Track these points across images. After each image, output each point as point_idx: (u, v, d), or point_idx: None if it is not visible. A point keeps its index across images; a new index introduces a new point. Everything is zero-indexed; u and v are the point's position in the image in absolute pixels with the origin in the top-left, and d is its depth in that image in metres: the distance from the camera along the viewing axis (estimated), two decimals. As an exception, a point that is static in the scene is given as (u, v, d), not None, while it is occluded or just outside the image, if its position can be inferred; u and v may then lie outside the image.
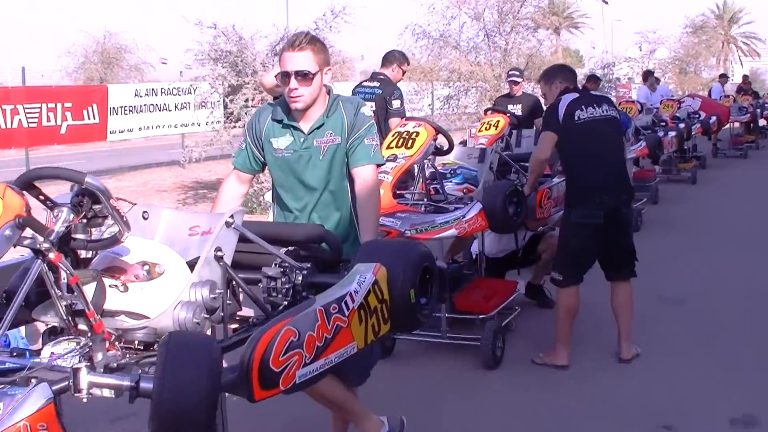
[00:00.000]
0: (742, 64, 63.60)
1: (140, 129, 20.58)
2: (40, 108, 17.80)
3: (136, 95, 20.41)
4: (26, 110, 17.43)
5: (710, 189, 15.67)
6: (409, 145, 5.57)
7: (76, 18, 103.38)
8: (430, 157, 6.11)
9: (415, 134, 5.64)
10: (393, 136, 5.75)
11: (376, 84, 8.88)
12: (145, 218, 3.20)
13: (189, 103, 18.84)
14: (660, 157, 12.37)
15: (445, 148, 6.02)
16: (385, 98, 8.64)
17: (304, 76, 3.73)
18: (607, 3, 46.21)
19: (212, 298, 2.77)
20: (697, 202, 14.04)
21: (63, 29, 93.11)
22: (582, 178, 5.77)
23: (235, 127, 13.73)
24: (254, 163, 4.04)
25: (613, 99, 14.30)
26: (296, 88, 3.74)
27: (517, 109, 11.03)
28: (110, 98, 19.63)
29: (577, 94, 5.89)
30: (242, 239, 3.01)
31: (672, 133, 13.46)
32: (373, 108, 8.53)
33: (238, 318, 3.16)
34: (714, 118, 18.21)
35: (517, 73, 11.48)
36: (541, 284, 7.34)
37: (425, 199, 5.72)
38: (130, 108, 20.14)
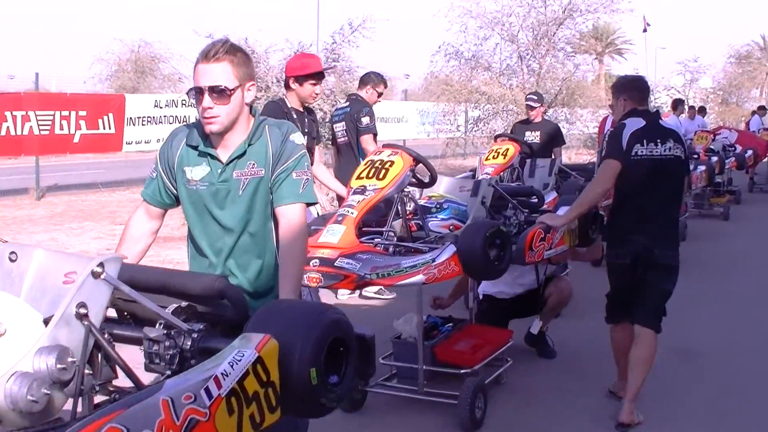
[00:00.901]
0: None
1: (158, 141, 20.03)
2: (53, 116, 17.34)
3: (155, 106, 19.94)
4: (38, 117, 16.99)
5: (743, 226, 14.76)
6: (381, 175, 4.89)
7: (113, 26, 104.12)
8: (411, 190, 5.48)
9: (389, 164, 4.96)
10: (365, 164, 5.08)
11: (347, 104, 8.64)
12: (12, 260, 2.55)
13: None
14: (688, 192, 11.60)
15: (426, 180, 5.36)
16: (353, 116, 8.31)
17: (220, 93, 3.09)
18: (646, 31, 45.55)
19: (60, 369, 2.15)
20: (728, 240, 13.18)
21: (99, 36, 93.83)
22: (620, 217, 5.51)
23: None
24: (165, 195, 3.37)
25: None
26: (211, 107, 3.10)
27: (535, 137, 10.35)
28: (128, 108, 19.18)
29: (643, 122, 5.43)
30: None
31: (701, 168, 12.62)
32: (344, 127, 8.36)
33: (112, 389, 2.48)
34: (750, 152, 17.37)
35: (535, 97, 10.74)
36: (543, 331, 6.66)
37: (395, 238, 5.01)
38: (149, 119, 19.67)
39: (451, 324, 5.96)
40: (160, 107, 20.02)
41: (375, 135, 8.23)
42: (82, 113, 18.17)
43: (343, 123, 8.43)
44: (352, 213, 4.74)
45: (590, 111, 23.80)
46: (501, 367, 5.91)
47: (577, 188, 7.66)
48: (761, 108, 25.11)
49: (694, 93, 37.82)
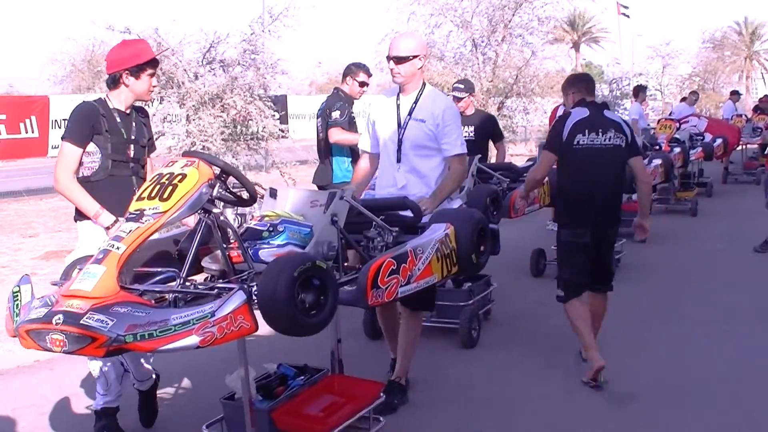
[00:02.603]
0: (765, 81, 61.05)
1: (88, 144, 18.68)
2: (-33, 120, 16.03)
3: (83, 107, 18.53)
4: (-51, 121, 15.66)
5: (711, 223, 13.50)
6: (165, 195, 3.56)
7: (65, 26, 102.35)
8: (237, 210, 4.21)
9: (179, 178, 3.61)
10: (151, 180, 3.71)
11: (325, 100, 8.48)
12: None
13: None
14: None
15: (245, 196, 4.05)
16: (326, 111, 8.16)
17: None
18: (627, 16, 44.34)
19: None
20: (692, 241, 11.89)
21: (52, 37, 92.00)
22: (572, 203, 6.13)
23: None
24: None
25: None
26: None
27: (469, 132, 8.96)
28: (53, 110, 17.83)
29: (587, 113, 6.08)
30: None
31: (656, 161, 11.17)
32: (320, 124, 8.29)
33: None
34: (720, 141, 16.12)
35: (462, 86, 9.25)
36: None
37: (179, 281, 3.68)
38: (76, 121, 18.30)
39: (303, 377, 4.68)
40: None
41: (343, 128, 7.98)
42: (2, 117, 16.87)
43: (320, 119, 8.32)
44: (118, 248, 3.40)
45: (554, 101, 22.59)
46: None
47: (489, 194, 6.57)
48: (734, 93, 23.87)
49: (668, 80, 36.83)
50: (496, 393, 5.93)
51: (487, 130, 9.32)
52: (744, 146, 19.97)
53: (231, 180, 4.06)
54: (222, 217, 4.01)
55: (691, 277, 9.66)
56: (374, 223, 4.52)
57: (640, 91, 16.52)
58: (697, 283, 9.34)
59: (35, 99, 19.24)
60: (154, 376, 5.41)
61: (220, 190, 3.98)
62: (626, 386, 5.92)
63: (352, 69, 8.35)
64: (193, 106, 11.48)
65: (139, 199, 3.65)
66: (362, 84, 8.32)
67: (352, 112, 8.34)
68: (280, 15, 12.10)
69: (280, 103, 18.67)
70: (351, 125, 8.22)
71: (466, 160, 5.65)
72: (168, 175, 3.69)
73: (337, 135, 7.97)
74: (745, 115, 20.75)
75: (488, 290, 7.68)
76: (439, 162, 5.52)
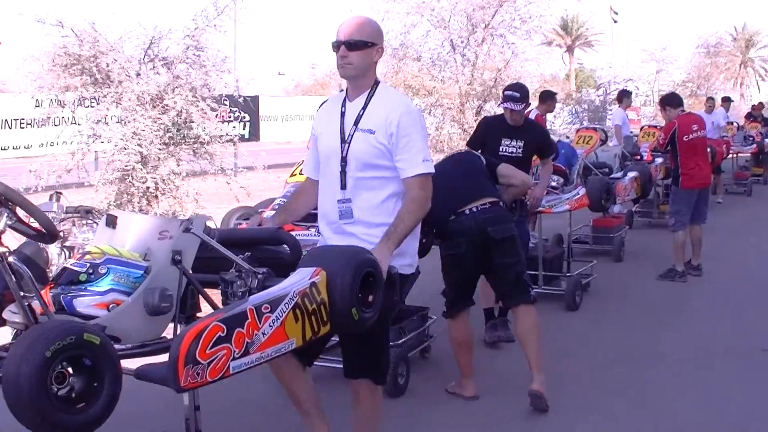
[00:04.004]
0: (759, 88, 60.18)
1: (41, 145, 17.50)
2: None
3: (36, 106, 17.38)
4: None
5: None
6: None
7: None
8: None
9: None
10: None
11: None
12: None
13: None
14: (608, 208, 9.08)
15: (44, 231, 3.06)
16: None
17: None
18: (616, 21, 43.85)
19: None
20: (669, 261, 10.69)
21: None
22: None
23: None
24: None
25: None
26: None
27: (517, 148, 7.38)
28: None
29: None
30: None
31: (631, 175, 10.06)
32: None
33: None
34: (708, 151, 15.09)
35: (517, 95, 7.34)
36: None
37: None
38: (28, 121, 17.23)
39: None
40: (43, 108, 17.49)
41: None
42: None
43: None
44: None
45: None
46: None
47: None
48: (725, 99, 22.87)
49: (660, 86, 35.81)
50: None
51: (536, 145, 7.57)
52: (735, 155, 19.00)
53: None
54: (10, 258, 3.01)
55: (665, 306, 8.64)
56: (235, 263, 3.51)
57: (624, 96, 15.44)
58: (672, 313, 8.34)
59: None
60: None
61: (7, 221, 3.00)
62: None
63: None
64: (129, 107, 10.46)
65: None
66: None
67: None
68: (225, 8, 11.07)
69: (250, 104, 17.73)
70: None
71: (429, 183, 4.19)
72: None
73: None
74: (737, 123, 19.74)
75: (425, 326, 6.63)
76: (397, 187, 4.18)
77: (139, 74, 10.87)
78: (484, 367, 6.41)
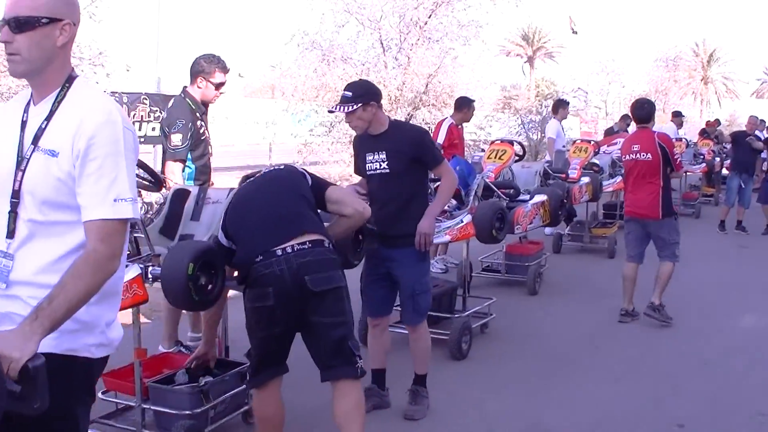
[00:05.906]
0: (720, 105, 59.62)
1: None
2: None
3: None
4: None
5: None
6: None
7: None
8: None
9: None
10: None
11: (167, 108, 6.44)
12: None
13: None
14: (499, 238, 7.35)
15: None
16: (164, 129, 6.14)
17: None
18: (576, 33, 43.27)
19: None
20: (602, 298, 8.99)
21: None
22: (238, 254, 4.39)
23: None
24: None
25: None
26: None
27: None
28: None
29: None
30: None
31: (537, 199, 8.27)
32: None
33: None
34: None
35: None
36: None
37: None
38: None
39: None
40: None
41: (183, 161, 6.01)
42: None
43: (162, 136, 6.28)
44: None
45: (486, 116, 20.41)
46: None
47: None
48: (676, 114, 21.68)
49: (612, 99, 35.04)
50: None
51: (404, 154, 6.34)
52: (684, 174, 17.74)
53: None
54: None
55: (571, 355, 7.22)
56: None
57: (560, 107, 14.04)
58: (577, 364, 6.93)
59: None
60: None
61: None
62: None
63: (203, 66, 6.11)
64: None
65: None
66: (219, 86, 6.19)
67: (203, 124, 6.19)
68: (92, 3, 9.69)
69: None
70: (198, 144, 6.17)
71: (120, 236, 2.71)
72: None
73: (175, 175, 5.94)
74: (686, 139, 18.49)
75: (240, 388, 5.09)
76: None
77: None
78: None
